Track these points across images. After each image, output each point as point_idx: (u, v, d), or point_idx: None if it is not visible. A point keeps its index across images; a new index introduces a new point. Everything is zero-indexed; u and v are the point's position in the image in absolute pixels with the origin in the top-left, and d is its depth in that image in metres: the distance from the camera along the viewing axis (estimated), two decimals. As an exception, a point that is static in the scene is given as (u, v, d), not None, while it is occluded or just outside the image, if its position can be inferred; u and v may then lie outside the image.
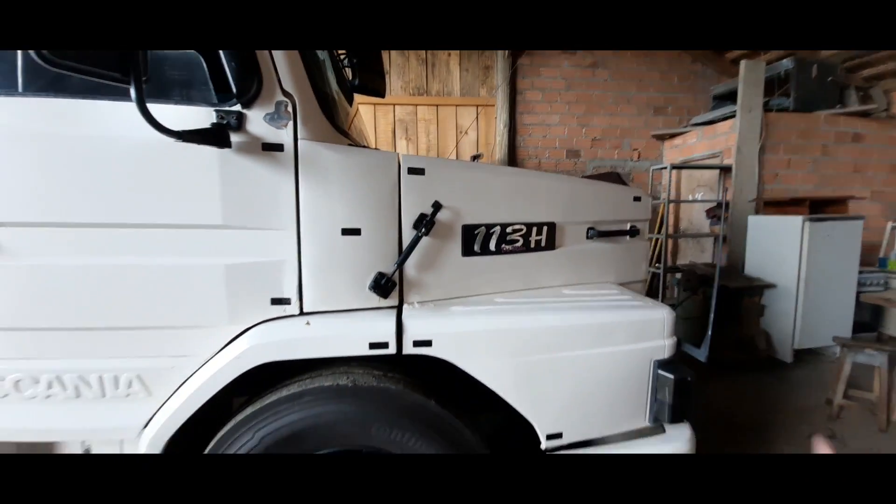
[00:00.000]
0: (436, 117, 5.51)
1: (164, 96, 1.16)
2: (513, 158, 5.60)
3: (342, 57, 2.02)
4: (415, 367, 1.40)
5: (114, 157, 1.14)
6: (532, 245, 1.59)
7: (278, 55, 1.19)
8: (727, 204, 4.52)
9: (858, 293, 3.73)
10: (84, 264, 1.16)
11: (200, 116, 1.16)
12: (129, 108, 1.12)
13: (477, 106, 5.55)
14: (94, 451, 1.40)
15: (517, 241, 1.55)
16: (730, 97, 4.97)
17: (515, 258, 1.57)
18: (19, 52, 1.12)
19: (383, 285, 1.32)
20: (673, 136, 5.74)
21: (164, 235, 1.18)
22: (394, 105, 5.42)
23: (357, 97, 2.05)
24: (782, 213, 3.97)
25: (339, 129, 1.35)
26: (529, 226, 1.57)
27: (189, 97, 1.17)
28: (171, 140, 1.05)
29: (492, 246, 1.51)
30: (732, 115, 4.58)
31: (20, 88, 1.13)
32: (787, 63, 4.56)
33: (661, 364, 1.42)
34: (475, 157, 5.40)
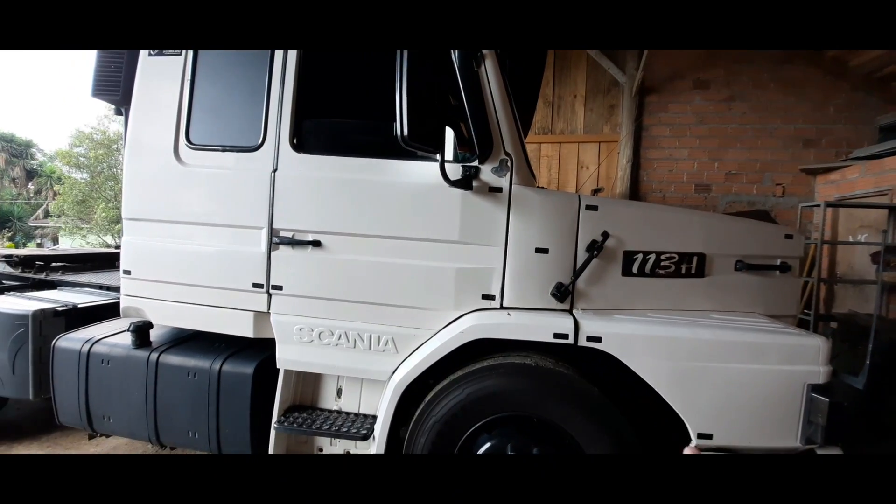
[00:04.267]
0: (558, 154, 5.91)
1: (430, 159, 1.78)
2: (635, 192, 5.68)
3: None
4: (579, 361, 1.78)
5: (398, 195, 1.80)
6: (683, 272, 1.87)
7: (504, 127, 1.75)
8: (900, 248, 3.99)
9: None
10: (373, 261, 1.83)
11: (450, 170, 1.75)
12: (410, 165, 1.78)
13: (599, 142, 5.81)
14: (345, 388, 2.05)
15: (670, 267, 1.85)
16: (904, 129, 4.42)
17: (667, 282, 1.87)
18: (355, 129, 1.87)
19: (562, 292, 1.75)
20: (828, 170, 5.22)
21: (422, 246, 1.80)
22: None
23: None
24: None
25: (532, 175, 1.86)
26: (681, 255, 1.86)
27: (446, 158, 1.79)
28: (434, 185, 1.66)
29: (647, 269, 1.84)
30: (908, 150, 4.08)
31: (346, 153, 1.87)
32: None
33: (816, 388, 1.56)
34: (596, 192, 5.63)
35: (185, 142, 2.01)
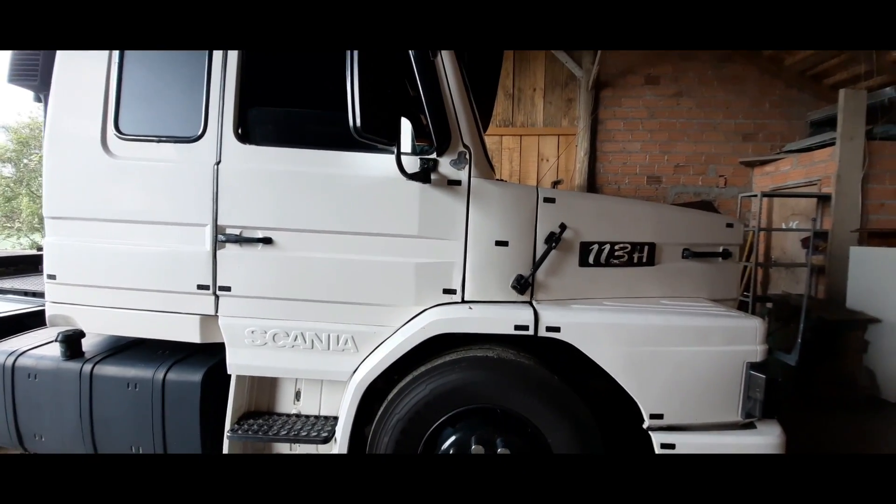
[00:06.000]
0: (519, 146, 5.99)
1: (386, 151, 1.73)
2: (592, 184, 5.87)
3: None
4: (540, 351, 1.81)
5: (355, 189, 1.73)
6: (635, 261, 1.94)
7: (462, 119, 1.72)
8: (826, 234, 4.39)
9: None
10: (329, 258, 1.76)
11: (407, 162, 1.71)
12: (367, 157, 1.72)
13: (558, 135, 5.95)
14: (304, 390, 1.98)
15: (623, 256, 1.92)
16: (828, 123, 4.84)
17: (621, 271, 1.93)
18: (308, 116, 1.77)
19: (522, 284, 1.76)
20: (764, 163, 5.64)
21: (380, 241, 1.74)
22: (481, 135, 6.01)
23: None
24: (888, 245, 3.81)
25: (492, 167, 1.85)
26: (633, 244, 1.92)
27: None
28: (392, 178, 1.61)
29: (602, 259, 1.89)
30: (832, 143, 4.48)
31: (297, 144, 1.78)
32: (890, 91, 4.39)
33: (754, 365, 1.68)
34: (555, 184, 5.77)
35: (115, 132, 1.83)
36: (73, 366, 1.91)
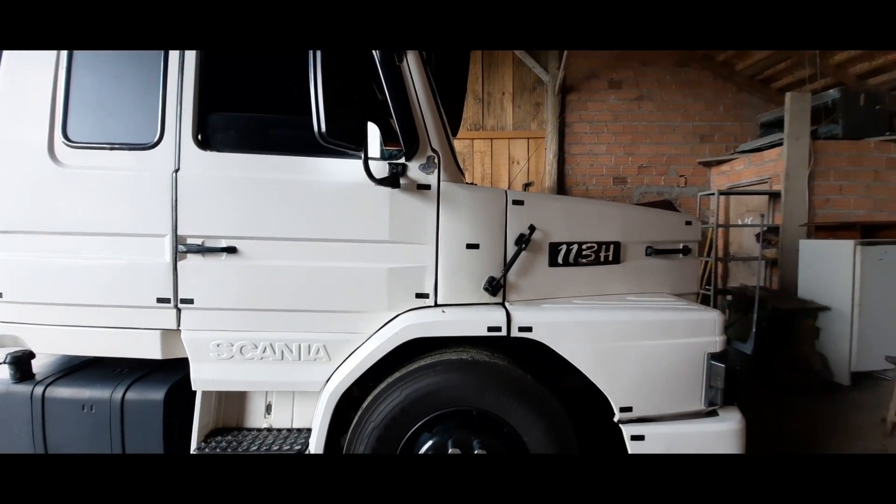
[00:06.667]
0: (490, 149, 6.08)
1: (354, 156, 1.71)
2: (561, 186, 6.02)
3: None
4: (513, 351, 1.84)
5: (323, 195, 1.70)
6: (602, 259, 2.00)
7: (429, 123, 1.73)
8: (778, 228, 4.67)
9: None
10: (297, 266, 1.72)
11: (375, 167, 1.70)
12: (335, 162, 1.70)
13: (528, 138, 6.07)
14: (275, 403, 1.93)
15: (590, 255, 1.97)
16: (777, 125, 5.16)
17: (589, 270, 1.99)
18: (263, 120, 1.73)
19: (494, 286, 1.79)
20: (720, 163, 5.95)
21: (350, 247, 1.72)
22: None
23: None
24: (834, 238, 4.09)
25: (461, 171, 1.86)
26: (600, 244, 1.99)
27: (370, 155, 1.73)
28: (360, 183, 1.60)
29: (571, 259, 1.94)
30: (780, 143, 4.78)
31: (261, 150, 1.74)
32: (833, 93, 4.74)
33: (714, 356, 1.76)
34: (526, 186, 5.88)
35: (63, 139, 1.73)
36: (24, 388, 1.79)
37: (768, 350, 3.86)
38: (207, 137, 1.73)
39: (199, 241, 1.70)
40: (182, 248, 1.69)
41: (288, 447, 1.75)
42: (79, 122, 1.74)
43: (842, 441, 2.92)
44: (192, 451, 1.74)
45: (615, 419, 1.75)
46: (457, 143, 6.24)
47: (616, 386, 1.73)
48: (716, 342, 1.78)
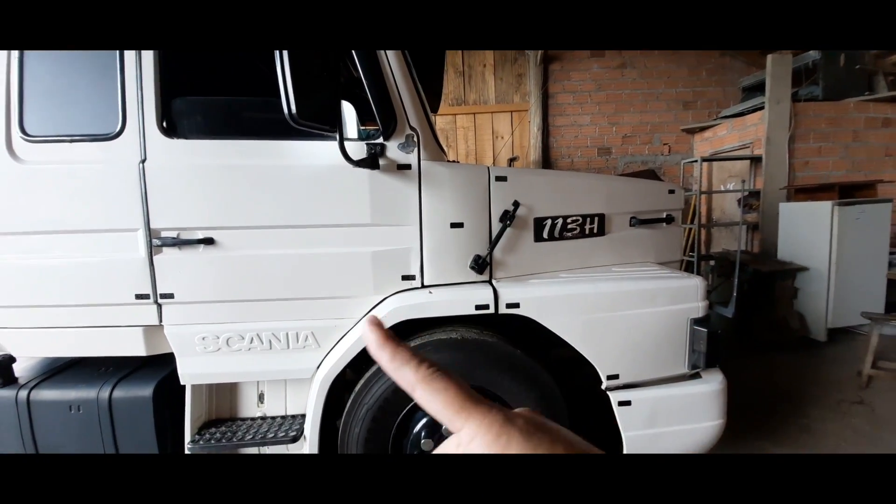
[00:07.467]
0: (473, 125, 5.96)
1: (329, 138, 1.66)
2: (546, 159, 5.98)
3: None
4: (502, 327, 1.85)
5: (300, 179, 1.65)
6: (587, 232, 2.00)
7: (407, 101, 1.67)
8: (759, 193, 4.74)
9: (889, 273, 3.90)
10: (279, 254, 1.69)
11: (352, 148, 1.65)
12: (310, 145, 1.64)
13: (511, 112, 5.96)
14: (267, 392, 1.93)
15: (575, 229, 1.98)
16: (759, 88, 5.16)
17: (574, 243, 1.99)
18: (237, 105, 1.65)
19: (480, 264, 1.78)
20: (703, 129, 5.95)
21: (332, 232, 1.69)
22: (434, 116, 5.93)
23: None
24: (813, 200, 4.17)
25: (442, 149, 1.82)
26: (584, 216, 1.99)
27: (347, 136, 1.67)
28: (338, 166, 1.55)
29: (556, 233, 1.94)
30: (762, 107, 4.79)
31: (231, 135, 1.67)
32: (813, 54, 4.73)
33: (696, 321, 1.81)
34: (511, 161, 5.82)
35: (21, 134, 1.63)
36: (7, 393, 1.75)
37: (749, 312, 3.99)
38: (173, 124, 1.65)
39: (173, 234, 1.65)
40: (157, 242, 1.64)
41: (283, 434, 1.76)
42: (36, 115, 1.64)
43: (820, 393, 3.06)
44: (186, 444, 1.74)
45: (602, 387, 1.80)
46: (438, 120, 6.13)
47: (603, 355, 1.77)
48: (698, 308, 1.82)
